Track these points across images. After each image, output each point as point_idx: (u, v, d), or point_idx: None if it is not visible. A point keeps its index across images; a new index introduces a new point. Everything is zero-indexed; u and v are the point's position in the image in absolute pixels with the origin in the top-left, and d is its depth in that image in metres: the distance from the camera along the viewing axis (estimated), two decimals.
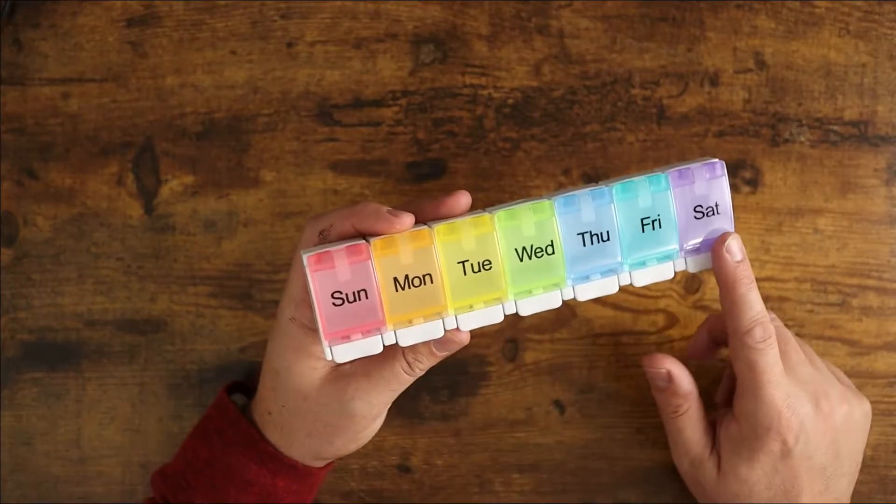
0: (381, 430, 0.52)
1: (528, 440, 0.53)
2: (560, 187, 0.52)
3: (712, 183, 0.43)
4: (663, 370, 0.46)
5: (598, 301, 0.52)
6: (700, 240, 0.43)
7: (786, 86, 0.52)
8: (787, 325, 0.52)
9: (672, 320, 0.52)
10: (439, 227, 0.40)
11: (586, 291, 0.42)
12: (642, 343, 0.52)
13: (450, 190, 0.51)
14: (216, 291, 0.53)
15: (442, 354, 0.42)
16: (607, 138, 0.52)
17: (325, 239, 0.41)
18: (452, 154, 0.52)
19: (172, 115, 0.53)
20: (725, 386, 0.50)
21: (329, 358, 0.40)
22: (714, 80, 0.52)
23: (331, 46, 0.52)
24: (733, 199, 0.52)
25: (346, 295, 0.40)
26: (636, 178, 0.42)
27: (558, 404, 0.53)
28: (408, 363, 0.41)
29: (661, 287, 0.52)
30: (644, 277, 0.43)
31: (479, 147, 0.52)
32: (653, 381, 0.47)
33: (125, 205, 0.53)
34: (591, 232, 0.42)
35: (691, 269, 0.44)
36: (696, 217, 0.43)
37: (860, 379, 0.52)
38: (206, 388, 0.53)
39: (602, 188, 0.42)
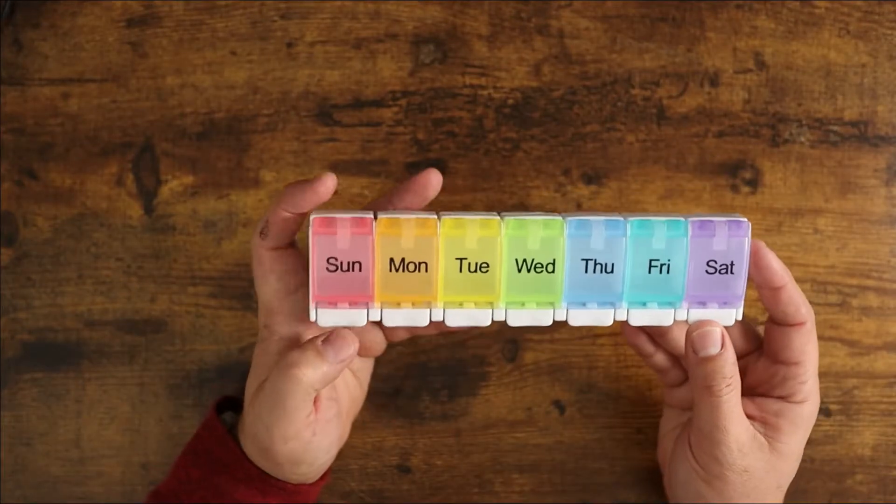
0: (380, 430, 0.52)
1: (528, 440, 0.53)
2: (560, 188, 0.52)
3: (733, 241, 0.41)
4: (717, 329, 0.41)
5: None
6: (709, 294, 0.42)
7: (786, 86, 0.52)
8: None
9: None
10: (447, 220, 0.40)
11: (579, 317, 0.42)
12: None
13: (449, 190, 0.52)
14: (216, 292, 0.53)
15: (330, 359, 0.40)
16: (607, 138, 0.52)
17: (265, 236, 0.42)
18: (452, 154, 0.52)
19: (172, 116, 0.53)
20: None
21: (313, 319, 0.41)
22: (714, 81, 0.52)
23: (331, 47, 0.52)
24: (732, 199, 0.52)
25: (341, 263, 0.40)
26: (656, 218, 0.41)
27: (558, 404, 0.53)
28: (297, 377, 0.40)
29: None
30: (641, 318, 0.42)
31: (479, 147, 0.52)
32: (701, 348, 0.42)
33: (125, 205, 0.53)
34: (596, 260, 0.41)
35: (691, 321, 0.42)
36: (707, 272, 0.42)
37: (860, 379, 0.52)
38: (206, 388, 0.53)
39: (619, 220, 0.41)
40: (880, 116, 0.52)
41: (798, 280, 0.52)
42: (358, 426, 0.52)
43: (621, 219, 0.41)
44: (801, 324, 0.43)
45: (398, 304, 0.41)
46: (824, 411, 0.52)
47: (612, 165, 0.52)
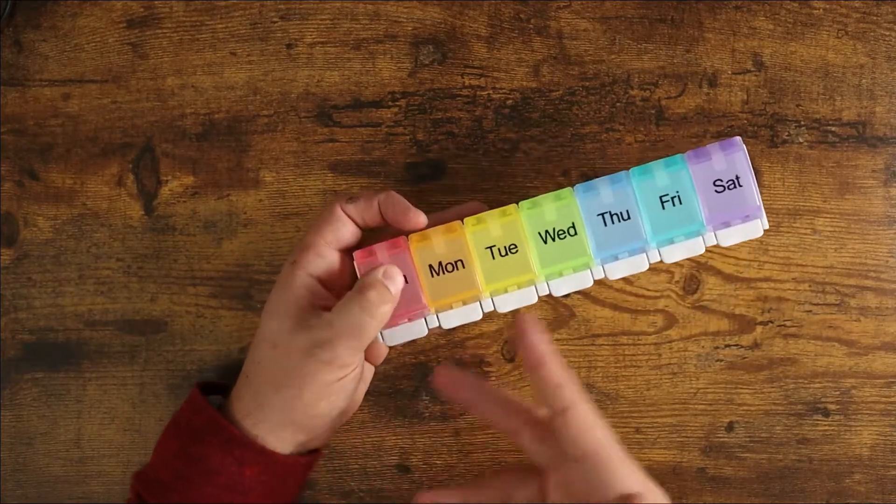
0: (380, 430, 0.53)
1: None
2: (559, 188, 0.52)
3: (730, 157, 0.44)
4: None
5: (597, 301, 0.52)
6: (728, 212, 0.44)
7: (784, 87, 0.52)
8: (785, 326, 0.52)
9: (671, 321, 0.52)
10: (469, 219, 0.44)
11: (616, 270, 0.45)
12: (641, 343, 0.52)
13: (449, 190, 0.52)
14: (216, 292, 0.53)
15: (393, 288, 0.43)
16: (606, 139, 0.52)
17: (353, 200, 0.45)
18: (452, 155, 0.52)
19: (172, 116, 0.53)
20: None
21: (381, 342, 0.45)
22: (712, 81, 0.52)
23: (330, 48, 0.53)
24: None
25: None
26: (654, 161, 0.44)
27: None
28: (362, 307, 0.43)
29: (659, 287, 0.52)
30: (674, 254, 0.44)
31: (479, 148, 0.52)
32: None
33: (125, 205, 0.53)
34: (610, 212, 0.44)
35: (723, 244, 0.44)
36: (717, 191, 0.44)
37: (858, 379, 0.52)
38: None
39: (619, 173, 0.44)
40: (878, 117, 0.52)
41: (796, 280, 0.52)
42: (358, 426, 0.53)
43: (623, 172, 0.44)
44: (564, 409, 0.41)
45: (450, 306, 0.45)
46: (823, 411, 0.52)
47: (611, 166, 0.52)
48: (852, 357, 0.52)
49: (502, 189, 0.52)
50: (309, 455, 0.46)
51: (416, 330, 0.45)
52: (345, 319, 0.43)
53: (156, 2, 0.53)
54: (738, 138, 0.44)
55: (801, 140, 0.52)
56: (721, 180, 0.44)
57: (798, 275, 0.52)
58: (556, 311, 0.52)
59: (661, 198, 0.44)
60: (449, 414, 0.53)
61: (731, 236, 0.44)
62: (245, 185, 0.53)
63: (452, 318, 0.45)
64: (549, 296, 0.45)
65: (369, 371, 0.49)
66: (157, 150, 0.53)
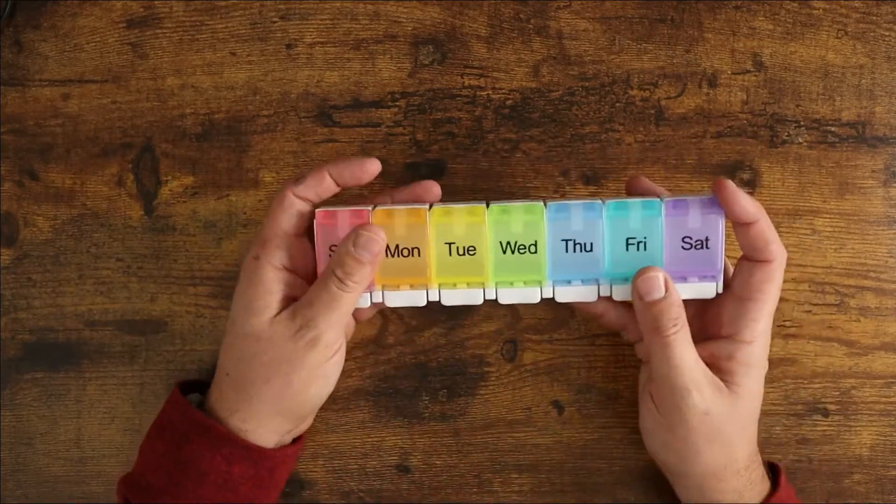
0: (380, 430, 0.53)
1: (527, 440, 0.53)
2: (559, 188, 0.52)
3: (707, 217, 0.44)
4: (660, 276, 0.43)
5: None
6: (688, 268, 0.44)
7: (784, 87, 0.52)
8: (784, 326, 0.52)
9: None
10: (436, 209, 0.44)
11: (565, 294, 0.45)
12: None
13: (448, 190, 0.52)
14: (216, 292, 0.53)
15: (365, 258, 0.43)
16: (606, 139, 0.52)
17: (301, 181, 0.44)
18: (451, 155, 0.52)
19: (172, 117, 0.53)
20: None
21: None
22: (712, 82, 0.52)
23: (330, 48, 0.53)
24: None
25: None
26: (632, 200, 0.44)
27: (557, 404, 0.53)
28: (338, 278, 0.43)
29: None
30: (624, 293, 0.45)
31: (478, 148, 0.52)
32: (646, 293, 0.43)
33: (125, 205, 0.53)
34: (575, 241, 0.44)
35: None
36: (683, 247, 0.44)
37: (858, 379, 0.52)
38: None
39: (596, 202, 0.44)
40: (878, 117, 0.52)
41: (796, 281, 0.52)
42: (358, 426, 0.53)
43: (599, 201, 0.44)
44: (768, 261, 0.43)
45: (397, 287, 0.45)
46: (822, 411, 0.52)
47: (610, 166, 0.52)
48: (852, 357, 0.52)
49: (502, 189, 0.52)
50: (293, 444, 0.48)
51: (362, 300, 0.45)
52: (322, 295, 0.43)
53: (156, 2, 0.53)
54: (716, 198, 0.43)
55: (800, 140, 0.52)
56: (691, 238, 0.44)
57: (798, 275, 0.52)
58: (556, 311, 0.52)
59: (627, 239, 0.44)
60: (448, 414, 0.53)
61: (682, 291, 0.44)
62: (245, 186, 0.53)
63: (397, 299, 0.45)
64: (495, 302, 0.45)
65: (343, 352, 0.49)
66: (157, 150, 0.53)
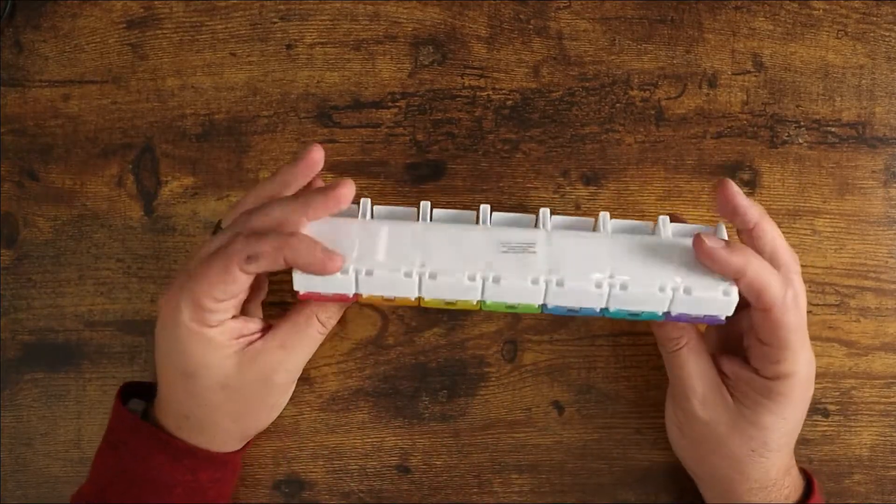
0: (380, 430, 0.53)
1: (527, 441, 0.53)
2: (559, 189, 0.52)
3: (710, 320, 0.42)
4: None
5: None
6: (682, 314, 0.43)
7: (784, 87, 0.52)
8: None
9: None
10: (428, 301, 0.42)
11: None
12: (641, 344, 0.52)
13: (448, 191, 0.52)
14: None
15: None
16: (606, 140, 0.52)
17: (253, 262, 0.40)
18: (451, 155, 0.52)
19: (172, 117, 0.53)
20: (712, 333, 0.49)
21: (296, 288, 0.41)
22: (712, 82, 0.52)
23: (330, 48, 0.53)
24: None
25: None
26: (638, 310, 0.42)
27: (557, 405, 0.53)
28: (321, 322, 0.44)
29: None
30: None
31: (479, 148, 0.52)
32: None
33: (125, 206, 0.53)
34: (574, 308, 0.42)
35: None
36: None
37: (858, 379, 0.52)
38: None
39: (593, 309, 0.42)
40: (878, 118, 0.52)
41: None
42: (358, 426, 0.53)
43: (599, 308, 0.42)
44: (773, 307, 0.41)
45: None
46: (822, 412, 0.52)
47: (610, 166, 0.52)
48: (852, 357, 0.52)
49: (502, 189, 0.52)
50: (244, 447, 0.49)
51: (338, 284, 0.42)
52: (298, 339, 0.44)
53: (156, 2, 0.53)
54: (724, 319, 0.42)
55: (800, 141, 0.52)
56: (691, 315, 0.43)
57: None
58: None
59: (630, 312, 0.42)
60: (448, 415, 0.53)
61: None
62: (245, 186, 0.53)
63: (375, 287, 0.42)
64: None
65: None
66: (157, 150, 0.53)
